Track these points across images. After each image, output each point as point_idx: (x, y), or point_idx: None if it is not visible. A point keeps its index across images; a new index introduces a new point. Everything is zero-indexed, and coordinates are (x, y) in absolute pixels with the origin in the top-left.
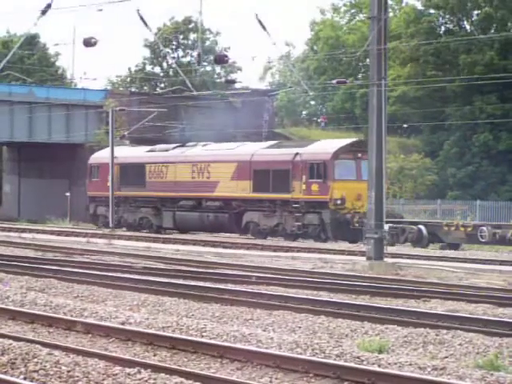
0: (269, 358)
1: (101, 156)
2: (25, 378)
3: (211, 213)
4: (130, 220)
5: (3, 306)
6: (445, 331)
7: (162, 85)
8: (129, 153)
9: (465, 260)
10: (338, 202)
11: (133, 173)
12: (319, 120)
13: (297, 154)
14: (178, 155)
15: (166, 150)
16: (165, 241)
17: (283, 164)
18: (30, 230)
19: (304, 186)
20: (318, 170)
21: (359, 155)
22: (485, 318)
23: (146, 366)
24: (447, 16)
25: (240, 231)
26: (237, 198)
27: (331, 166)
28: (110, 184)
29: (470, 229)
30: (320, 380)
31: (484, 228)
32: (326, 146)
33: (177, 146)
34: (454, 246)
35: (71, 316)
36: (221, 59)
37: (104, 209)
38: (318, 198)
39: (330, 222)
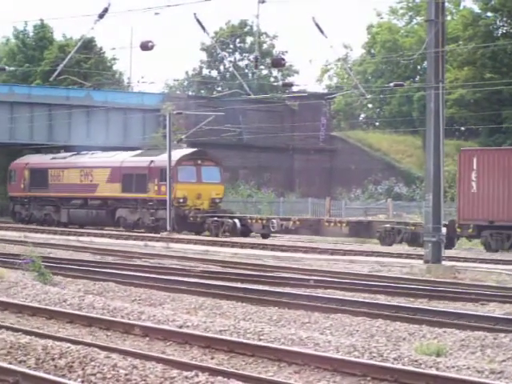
0: (326, 361)
1: (18, 162)
2: (82, 382)
3: (94, 210)
4: (37, 216)
5: (61, 310)
6: (503, 334)
7: (219, 88)
8: (37, 159)
9: None
10: (181, 200)
11: (39, 176)
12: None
13: (152, 161)
14: (71, 162)
15: (64, 158)
16: (223, 244)
17: (142, 169)
18: (88, 234)
19: (156, 188)
20: (166, 174)
21: (199, 162)
22: None
23: (203, 369)
24: (504, 19)
25: (114, 225)
26: (111, 198)
27: (175, 171)
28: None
29: (264, 221)
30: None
31: (274, 220)
32: (172, 154)
33: (73, 154)
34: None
35: (129, 319)
36: (278, 63)
37: (19, 207)
38: (166, 197)
39: (174, 217)
